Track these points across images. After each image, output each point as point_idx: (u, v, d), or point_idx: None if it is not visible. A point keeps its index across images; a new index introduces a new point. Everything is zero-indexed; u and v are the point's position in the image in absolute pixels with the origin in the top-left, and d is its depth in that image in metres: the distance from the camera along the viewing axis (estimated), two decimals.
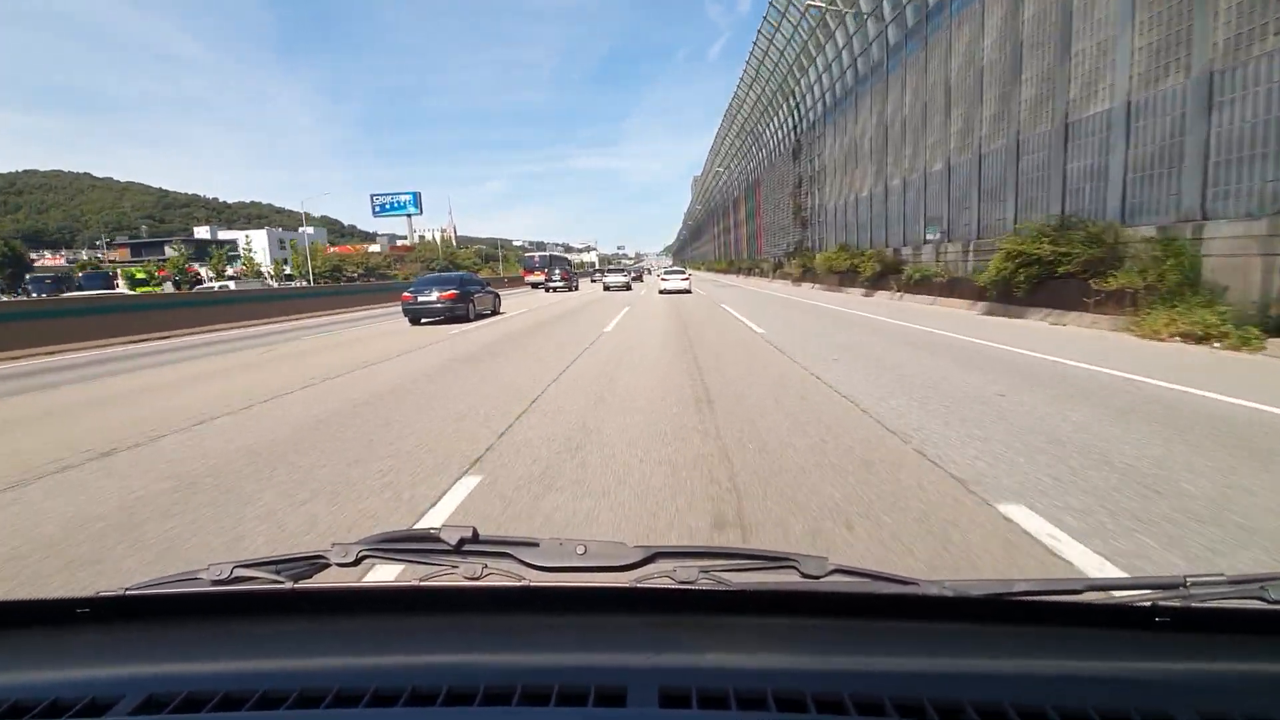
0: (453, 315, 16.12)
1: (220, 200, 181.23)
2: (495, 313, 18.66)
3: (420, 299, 16.02)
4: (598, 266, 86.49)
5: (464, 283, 17.00)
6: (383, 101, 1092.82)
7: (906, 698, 0.65)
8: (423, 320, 16.27)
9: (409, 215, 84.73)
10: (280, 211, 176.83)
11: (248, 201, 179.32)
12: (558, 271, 38.17)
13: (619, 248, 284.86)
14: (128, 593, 0.83)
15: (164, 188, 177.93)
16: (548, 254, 56.13)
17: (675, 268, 34.04)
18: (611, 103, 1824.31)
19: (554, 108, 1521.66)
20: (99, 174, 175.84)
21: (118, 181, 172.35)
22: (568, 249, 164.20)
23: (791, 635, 0.78)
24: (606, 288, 34.41)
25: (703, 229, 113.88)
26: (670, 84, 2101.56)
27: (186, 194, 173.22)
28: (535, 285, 41.36)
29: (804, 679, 0.68)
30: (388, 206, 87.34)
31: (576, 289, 37.39)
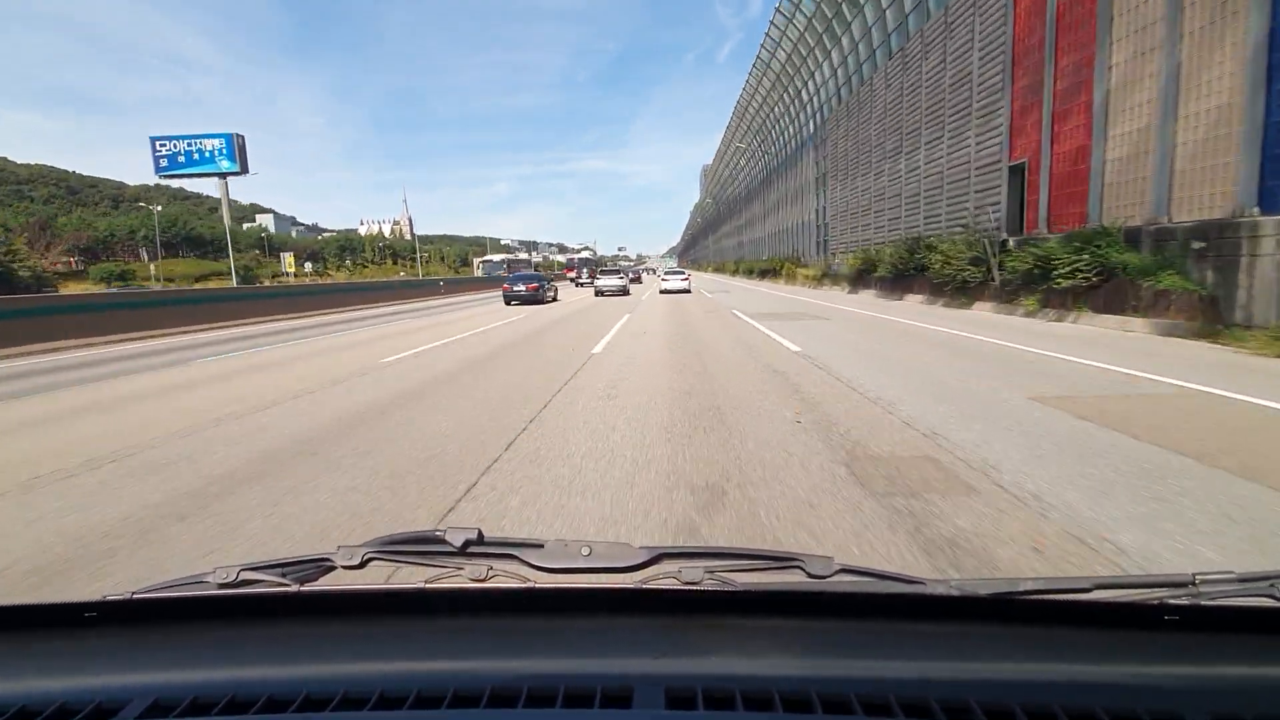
0: (534, 299, 25.07)
1: (126, 183, 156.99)
2: (555, 299, 27.16)
3: (514, 288, 26.34)
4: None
5: (540, 278, 27.60)
6: (388, 105, 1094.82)
7: (913, 698, 0.66)
8: (512, 303, 25.10)
9: (222, 175, 47.36)
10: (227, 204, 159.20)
11: (189, 193, 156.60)
12: (585, 271, 51.24)
13: (619, 249, 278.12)
14: (134, 596, 0.84)
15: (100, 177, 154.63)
16: (582, 257, 72.81)
17: (675, 269, 37.71)
18: (615, 106, 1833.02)
19: (557, 110, 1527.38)
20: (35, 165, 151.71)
21: (70, 172, 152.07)
22: (561, 249, 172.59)
23: (798, 635, 0.79)
24: (599, 292, 30.15)
25: (727, 215, 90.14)
26: (676, 87, 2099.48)
27: (94, 177, 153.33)
28: (570, 280, 54.57)
29: (810, 679, 0.69)
30: (182, 160, 47.93)
31: None
